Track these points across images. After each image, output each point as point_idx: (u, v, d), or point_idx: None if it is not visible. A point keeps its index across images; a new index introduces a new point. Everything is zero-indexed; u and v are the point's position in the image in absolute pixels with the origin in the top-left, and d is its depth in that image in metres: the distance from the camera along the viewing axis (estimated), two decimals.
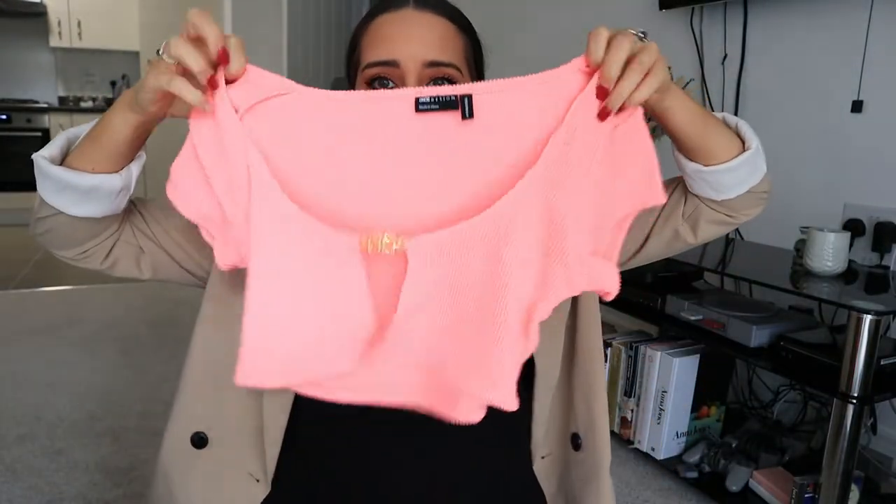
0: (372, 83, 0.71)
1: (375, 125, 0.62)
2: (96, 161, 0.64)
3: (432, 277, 0.63)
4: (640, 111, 0.62)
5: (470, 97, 0.61)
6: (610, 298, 0.64)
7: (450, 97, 0.61)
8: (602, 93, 0.59)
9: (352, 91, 0.63)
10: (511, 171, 0.63)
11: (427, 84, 0.71)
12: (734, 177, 0.70)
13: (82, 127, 0.68)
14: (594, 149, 0.61)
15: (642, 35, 0.60)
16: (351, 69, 0.78)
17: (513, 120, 0.63)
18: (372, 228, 0.62)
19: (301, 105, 0.62)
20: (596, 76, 0.60)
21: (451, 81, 0.71)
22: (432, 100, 0.61)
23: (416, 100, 0.61)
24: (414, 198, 0.64)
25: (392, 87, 0.71)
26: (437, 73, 0.70)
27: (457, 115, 0.62)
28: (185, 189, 0.62)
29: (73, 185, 0.64)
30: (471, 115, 0.62)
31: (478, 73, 0.78)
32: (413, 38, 0.70)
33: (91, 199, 0.65)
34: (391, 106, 0.62)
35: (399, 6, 0.71)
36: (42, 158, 0.64)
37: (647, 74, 0.58)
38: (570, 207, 0.62)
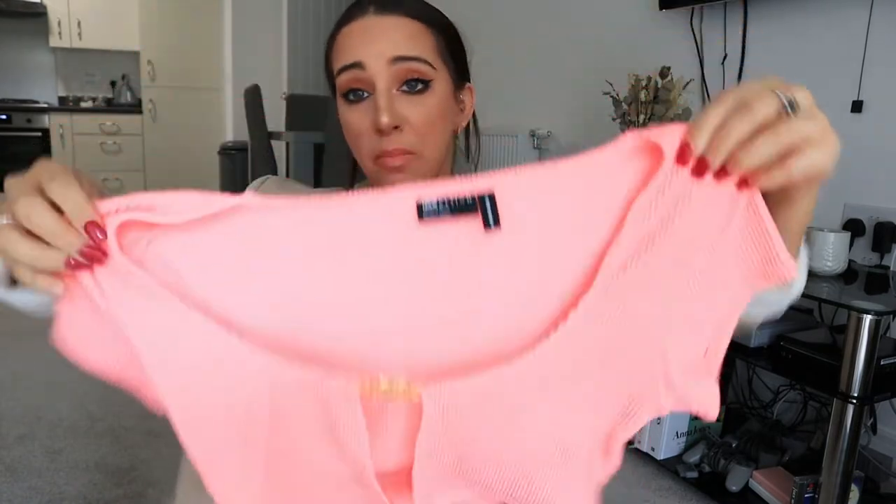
0: (347, 96, 0.70)
1: (363, 243, 0.47)
2: None
3: (454, 433, 0.49)
4: (755, 192, 0.45)
5: (492, 197, 0.45)
6: (710, 419, 0.53)
7: (465, 200, 0.45)
8: (699, 169, 0.44)
9: (324, 198, 0.47)
10: (553, 296, 0.48)
11: (399, 86, 0.67)
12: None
13: None
14: (679, 253, 0.46)
15: (790, 103, 0.43)
16: (331, 86, 0.76)
17: (552, 225, 0.47)
18: (369, 371, 0.48)
19: (253, 222, 0.47)
20: (668, 160, 0.45)
21: (424, 80, 0.68)
22: (441, 204, 0.45)
23: (419, 206, 0.46)
24: (420, 336, 0.49)
25: (366, 98, 0.68)
26: (405, 69, 0.67)
27: (474, 221, 0.46)
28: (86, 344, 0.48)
29: None
30: (496, 224, 0.46)
31: (457, 68, 0.74)
32: (375, 38, 0.68)
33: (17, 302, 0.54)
34: (384, 215, 0.46)
35: (361, 14, 0.69)
36: None
37: (788, 155, 0.42)
38: (645, 324, 0.48)
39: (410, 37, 0.68)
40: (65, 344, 0.47)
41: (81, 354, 0.48)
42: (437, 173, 0.73)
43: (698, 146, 0.43)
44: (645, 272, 0.46)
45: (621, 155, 0.46)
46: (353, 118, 0.70)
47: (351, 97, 0.69)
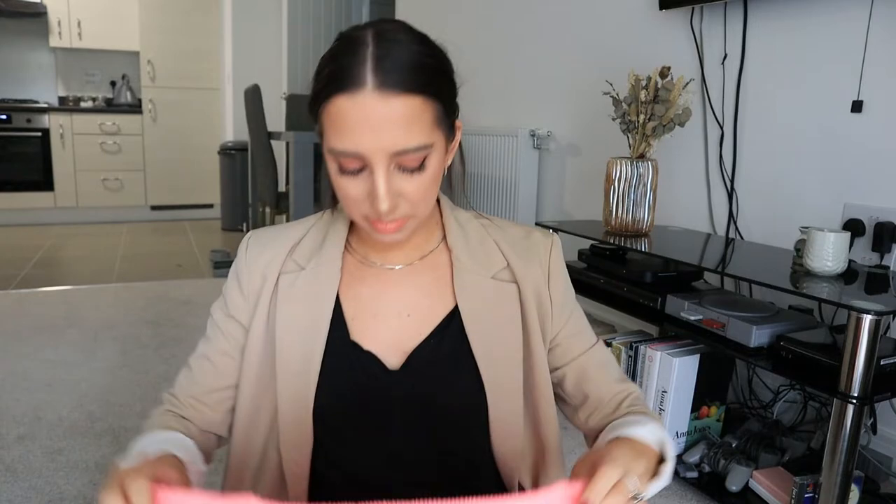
0: (340, 168, 0.68)
1: None
2: None
3: None
4: None
5: None
6: None
7: None
8: None
9: None
10: None
11: (397, 167, 0.67)
12: None
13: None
14: None
15: (639, 497, 0.60)
16: (315, 111, 0.72)
17: None
18: None
19: None
20: None
21: (422, 161, 0.68)
22: None
23: None
24: None
25: (361, 171, 0.67)
26: (406, 158, 0.67)
27: None
28: None
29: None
30: None
31: (449, 120, 0.72)
32: (375, 129, 0.64)
33: None
34: None
35: (357, 87, 0.64)
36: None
37: None
38: None
39: (412, 121, 0.65)
40: None
41: None
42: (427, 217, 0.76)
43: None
44: None
45: (560, 499, 0.59)
46: (346, 185, 0.69)
47: (345, 171, 0.68)
